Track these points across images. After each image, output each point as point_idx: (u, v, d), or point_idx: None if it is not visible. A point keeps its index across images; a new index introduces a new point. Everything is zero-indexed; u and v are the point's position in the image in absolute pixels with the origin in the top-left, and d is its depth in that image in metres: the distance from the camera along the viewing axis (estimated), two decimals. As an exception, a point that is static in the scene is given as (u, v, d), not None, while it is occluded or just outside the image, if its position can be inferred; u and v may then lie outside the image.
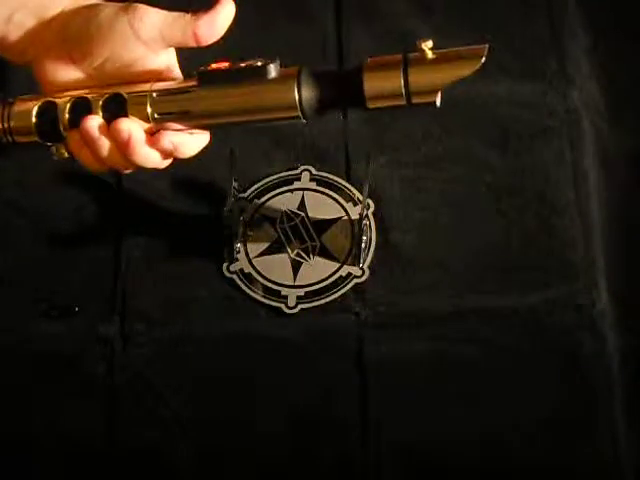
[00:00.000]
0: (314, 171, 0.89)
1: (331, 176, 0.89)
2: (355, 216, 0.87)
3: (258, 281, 0.85)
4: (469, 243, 0.85)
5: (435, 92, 0.63)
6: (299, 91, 0.64)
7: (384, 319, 0.82)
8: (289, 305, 0.83)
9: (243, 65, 0.66)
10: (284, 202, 0.88)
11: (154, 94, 0.66)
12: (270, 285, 0.84)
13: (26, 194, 0.89)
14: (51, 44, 0.68)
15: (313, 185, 0.89)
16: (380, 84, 0.63)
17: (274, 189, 0.88)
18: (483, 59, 0.62)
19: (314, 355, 0.82)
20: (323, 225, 0.87)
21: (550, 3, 0.95)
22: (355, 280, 0.84)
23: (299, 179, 0.89)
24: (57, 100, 0.67)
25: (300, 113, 0.65)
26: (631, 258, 0.85)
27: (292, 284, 0.84)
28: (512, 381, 0.80)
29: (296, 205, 0.88)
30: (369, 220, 0.86)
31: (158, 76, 0.68)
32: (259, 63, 0.66)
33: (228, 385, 0.82)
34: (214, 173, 0.87)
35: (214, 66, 0.66)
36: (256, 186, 0.89)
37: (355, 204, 0.87)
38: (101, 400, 0.81)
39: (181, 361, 0.82)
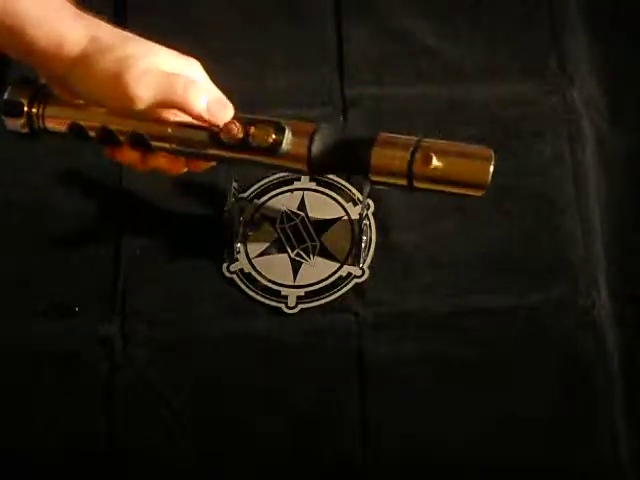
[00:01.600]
0: (314, 171, 0.89)
1: (331, 176, 0.89)
2: (355, 216, 0.87)
3: (258, 281, 0.85)
4: (469, 243, 0.85)
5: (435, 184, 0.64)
6: (309, 165, 0.68)
7: (384, 319, 0.82)
8: (289, 305, 0.83)
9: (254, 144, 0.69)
10: (284, 202, 0.88)
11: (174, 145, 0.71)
12: (270, 285, 0.84)
13: (26, 194, 0.89)
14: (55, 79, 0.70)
15: (313, 185, 0.89)
16: (386, 163, 0.65)
17: (274, 189, 0.89)
18: (490, 170, 0.62)
19: (314, 355, 0.82)
20: (323, 225, 0.87)
21: (550, 3, 0.95)
22: (355, 280, 0.84)
23: (299, 179, 0.89)
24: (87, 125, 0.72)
25: (307, 168, 0.69)
26: (631, 258, 0.85)
27: (292, 284, 0.84)
28: (512, 381, 0.80)
29: (296, 205, 0.88)
30: (369, 220, 0.86)
31: None
32: (272, 137, 0.68)
33: (228, 385, 0.82)
34: (214, 173, 0.87)
35: (224, 138, 0.69)
36: (256, 186, 0.89)
37: (355, 204, 0.87)
38: (101, 400, 0.81)
39: (181, 361, 0.82)
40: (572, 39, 0.94)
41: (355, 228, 0.86)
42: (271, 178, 0.89)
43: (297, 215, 0.87)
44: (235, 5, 0.98)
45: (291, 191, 0.88)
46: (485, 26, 0.95)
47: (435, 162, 0.64)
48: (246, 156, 0.70)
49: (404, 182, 0.65)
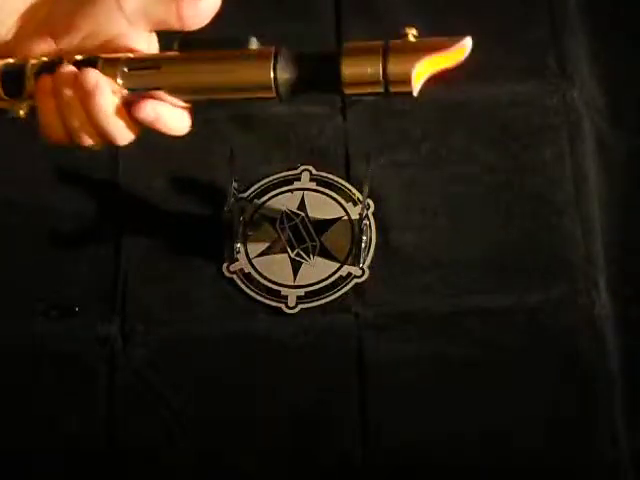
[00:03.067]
0: (314, 171, 0.89)
1: (331, 176, 0.89)
2: (355, 216, 0.87)
3: (258, 281, 0.85)
4: (469, 243, 0.85)
5: (415, 81, 0.62)
6: (275, 70, 0.62)
7: (384, 319, 0.82)
8: (289, 305, 0.83)
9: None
10: (284, 202, 0.88)
11: (130, 55, 0.62)
12: (270, 285, 0.84)
13: (26, 194, 0.89)
14: (31, 18, 0.64)
15: (313, 185, 0.88)
16: (358, 70, 0.62)
17: (274, 189, 0.88)
18: (467, 51, 0.62)
19: (314, 355, 0.82)
20: (323, 225, 0.87)
21: (550, 3, 0.95)
22: (355, 280, 0.84)
23: (299, 179, 0.89)
24: (28, 61, 0.63)
25: (275, 93, 0.62)
26: (631, 258, 0.85)
27: (292, 284, 0.84)
28: (512, 381, 0.80)
29: (296, 205, 0.88)
30: (369, 220, 0.86)
31: None
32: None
33: (228, 385, 0.82)
34: (214, 173, 0.87)
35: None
36: (256, 186, 0.89)
37: (355, 204, 0.87)
38: (101, 400, 0.81)
39: (181, 361, 0.82)
40: (572, 39, 0.94)
41: (355, 228, 0.86)
42: (271, 178, 0.89)
43: (297, 215, 0.87)
44: (235, 5, 0.98)
45: (291, 191, 0.88)
46: (485, 26, 0.94)
47: (412, 40, 0.62)
48: (211, 58, 0.63)
49: (380, 89, 0.63)
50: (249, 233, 0.87)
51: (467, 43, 0.62)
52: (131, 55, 0.63)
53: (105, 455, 0.80)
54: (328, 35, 0.95)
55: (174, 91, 0.62)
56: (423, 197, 0.87)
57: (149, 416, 0.81)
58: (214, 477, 0.80)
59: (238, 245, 0.86)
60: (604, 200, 0.87)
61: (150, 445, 0.80)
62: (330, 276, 0.84)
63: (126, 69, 0.62)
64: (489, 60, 0.92)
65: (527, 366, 0.80)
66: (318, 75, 0.63)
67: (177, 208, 0.88)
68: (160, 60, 0.63)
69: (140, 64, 0.62)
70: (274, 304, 0.84)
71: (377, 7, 0.96)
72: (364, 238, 0.85)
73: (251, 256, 0.86)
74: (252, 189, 0.88)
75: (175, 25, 0.63)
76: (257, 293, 0.84)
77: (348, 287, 0.84)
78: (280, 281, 0.85)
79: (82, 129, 0.61)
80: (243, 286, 0.84)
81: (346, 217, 0.87)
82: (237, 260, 0.85)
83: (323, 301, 0.83)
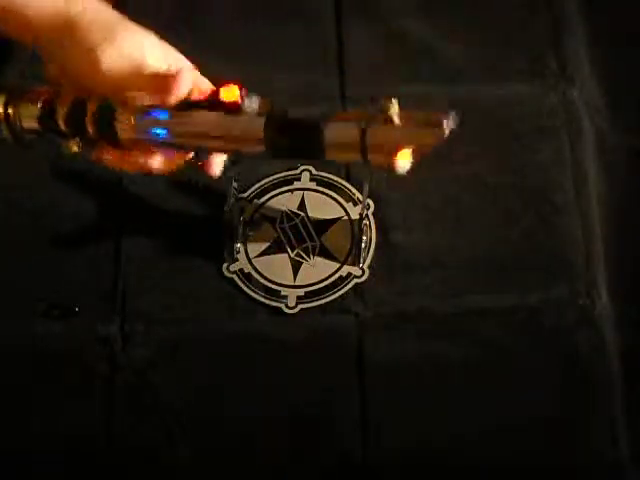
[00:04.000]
0: (314, 171, 0.89)
1: (331, 176, 0.89)
2: (355, 216, 0.87)
3: (258, 281, 0.85)
4: (469, 243, 0.85)
5: (394, 154, 0.63)
6: (267, 146, 0.66)
7: (384, 319, 0.82)
8: (289, 305, 0.83)
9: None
10: (284, 202, 0.88)
11: (140, 112, 0.68)
12: (270, 285, 0.84)
13: (26, 194, 0.89)
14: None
15: (313, 185, 0.89)
16: (338, 136, 0.64)
17: (274, 189, 0.89)
18: (447, 130, 0.61)
19: (314, 355, 0.82)
20: (323, 225, 0.87)
21: (550, 3, 0.95)
22: (355, 280, 0.84)
23: (299, 179, 0.89)
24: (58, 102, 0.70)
25: (263, 150, 0.67)
26: (631, 258, 0.85)
27: (292, 284, 0.84)
28: (512, 381, 0.80)
29: (296, 205, 0.88)
30: (369, 220, 0.86)
31: None
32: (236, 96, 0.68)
33: (228, 385, 0.81)
34: (214, 173, 0.87)
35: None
36: (256, 186, 0.89)
37: (355, 204, 0.87)
38: (101, 400, 0.81)
39: (181, 361, 0.82)
40: (572, 39, 0.94)
41: (355, 228, 0.86)
42: (271, 178, 0.89)
43: (297, 215, 0.87)
44: (235, 5, 0.98)
45: (291, 191, 0.88)
46: (485, 26, 0.95)
47: (396, 121, 0.62)
48: (207, 120, 0.68)
49: (359, 158, 0.64)
50: (249, 233, 0.87)
51: (447, 124, 0.62)
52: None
53: (105, 455, 0.80)
54: (328, 35, 0.95)
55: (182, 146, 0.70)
56: (423, 197, 0.87)
57: (149, 416, 0.81)
58: (214, 477, 0.80)
59: (238, 245, 0.86)
60: (604, 200, 0.87)
61: (150, 445, 0.80)
62: (330, 276, 0.84)
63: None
64: (489, 60, 0.93)
65: (527, 366, 0.80)
66: (304, 140, 0.66)
67: (177, 208, 0.88)
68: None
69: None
70: (274, 304, 0.84)
71: (377, 8, 0.96)
72: (364, 238, 0.85)
73: (251, 256, 0.86)
74: (252, 189, 0.89)
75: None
76: (257, 293, 0.84)
77: (348, 287, 0.84)
78: (280, 281, 0.85)
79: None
80: (243, 286, 0.84)
81: (346, 217, 0.87)
82: (237, 260, 0.85)
83: (323, 301, 0.83)
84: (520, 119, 0.90)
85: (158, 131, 0.69)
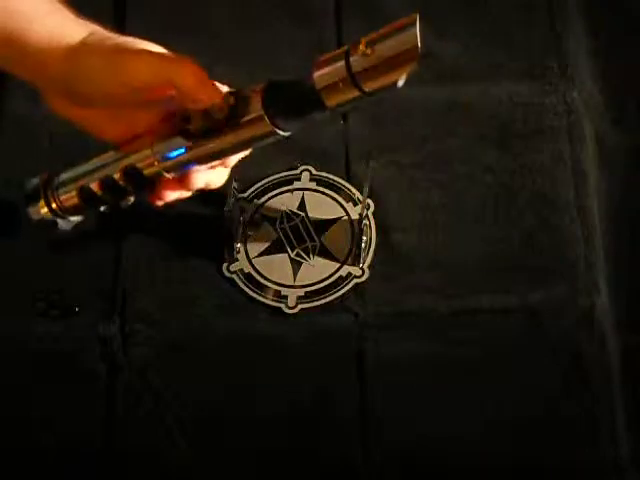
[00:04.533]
0: (314, 171, 0.89)
1: (331, 176, 0.89)
2: (355, 216, 0.87)
3: (258, 281, 0.85)
4: (469, 243, 0.85)
5: (384, 74, 0.63)
6: (272, 122, 0.67)
7: (384, 319, 0.82)
8: (289, 305, 0.83)
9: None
10: (284, 202, 0.88)
11: (159, 157, 0.71)
12: (270, 285, 0.84)
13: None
14: (50, 89, 0.70)
15: (313, 185, 0.89)
16: (328, 79, 0.64)
17: (274, 189, 0.89)
18: (417, 33, 0.61)
19: (314, 355, 0.82)
20: (323, 225, 0.87)
21: (550, 3, 0.95)
22: (355, 280, 0.84)
23: (299, 179, 0.89)
24: (89, 184, 0.75)
25: (281, 134, 0.68)
26: (631, 258, 0.85)
27: (292, 284, 0.84)
28: (512, 381, 0.80)
29: (296, 205, 0.88)
30: (369, 220, 0.86)
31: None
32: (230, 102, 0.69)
33: (228, 385, 0.82)
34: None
35: (190, 127, 0.70)
36: (256, 186, 0.89)
37: (355, 204, 0.87)
38: (101, 400, 0.81)
39: (181, 361, 0.82)
40: (572, 39, 0.94)
41: (355, 228, 0.86)
42: (271, 178, 0.89)
43: (297, 215, 0.87)
44: (235, 5, 0.98)
45: (291, 191, 0.88)
46: (485, 26, 0.95)
47: (369, 54, 0.63)
48: (216, 137, 0.70)
49: (356, 91, 0.64)
50: (249, 233, 0.87)
51: (414, 25, 0.62)
52: (158, 146, 0.71)
53: (105, 455, 0.80)
54: (329, 35, 0.95)
55: (200, 162, 0.72)
56: (423, 197, 0.87)
57: (149, 416, 0.81)
58: (214, 477, 0.80)
59: (238, 245, 0.86)
60: (604, 200, 0.87)
61: (150, 445, 0.80)
62: (330, 276, 0.84)
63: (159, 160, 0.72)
64: (489, 60, 0.93)
65: (527, 366, 0.80)
66: (303, 100, 0.66)
67: (177, 208, 0.87)
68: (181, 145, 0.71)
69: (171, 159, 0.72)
70: (274, 304, 0.84)
71: (377, 8, 0.96)
72: (364, 238, 0.85)
73: (251, 256, 0.86)
74: (252, 189, 0.89)
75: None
76: (257, 293, 0.84)
77: (348, 287, 0.84)
78: (280, 281, 0.85)
79: None
80: (243, 286, 0.84)
81: (346, 217, 0.87)
82: (237, 260, 0.85)
83: (323, 301, 0.83)
84: (520, 119, 0.90)
85: (187, 165, 0.72)
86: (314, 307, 0.83)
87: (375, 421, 0.79)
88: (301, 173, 0.89)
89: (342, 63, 0.63)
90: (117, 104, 0.69)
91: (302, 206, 0.88)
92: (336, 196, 0.88)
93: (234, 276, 0.85)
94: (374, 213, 0.87)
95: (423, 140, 0.90)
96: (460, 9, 0.96)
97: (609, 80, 0.93)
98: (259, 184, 0.89)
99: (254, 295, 0.84)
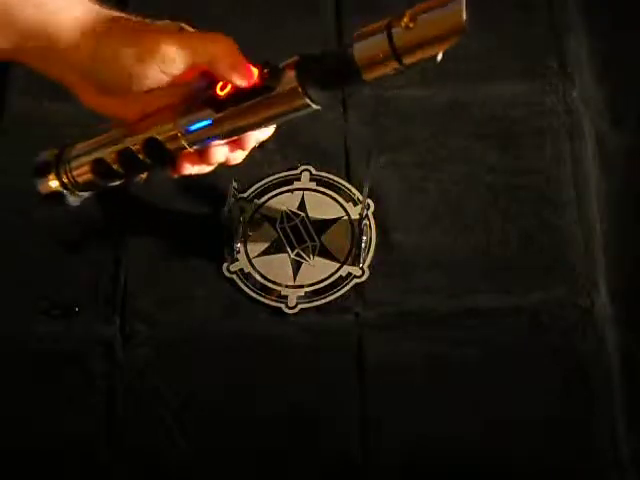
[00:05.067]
0: (314, 171, 0.89)
1: (331, 176, 0.89)
2: (355, 216, 0.87)
3: (258, 281, 0.85)
4: (469, 243, 0.85)
5: (426, 48, 0.63)
6: (303, 89, 0.66)
7: (384, 319, 0.82)
8: (289, 305, 0.83)
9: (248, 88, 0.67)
10: (284, 202, 0.88)
11: (182, 130, 0.69)
12: (270, 285, 0.84)
13: (26, 194, 0.89)
14: (79, 81, 0.69)
15: (313, 185, 0.89)
16: (369, 53, 0.63)
17: (274, 189, 0.89)
18: (464, 7, 0.61)
19: (314, 355, 0.82)
20: (323, 225, 0.87)
21: (550, 3, 0.95)
22: (355, 280, 0.84)
23: (299, 179, 0.89)
24: (105, 156, 0.72)
25: (313, 105, 0.67)
26: (631, 258, 0.85)
27: (292, 284, 0.84)
28: (512, 381, 0.80)
29: (296, 205, 0.88)
30: (369, 220, 0.86)
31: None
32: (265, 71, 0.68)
33: (228, 385, 0.82)
34: (214, 173, 0.87)
35: (221, 93, 0.68)
36: (256, 186, 0.89)
37: (355, 204, 0.87)
38: (101, 400, 0.81)
39: (181, 361, 0.82)
40: (572, 39, 0.94)
41: (355, 228, 0.86)
42: (271, 178, 0.89)
43: (297, 215, 0.87)
44: (235, 4, 0.98)
45: (291, 191, 0.88)
46: (485, 26, 0.94)
47: (412, 27, 0.62)
48: (246, 109, 0.68)
49: (395, 64, 0.64)
50: (249, 233, 0.87)
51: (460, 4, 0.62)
52: (182, 120, 0.69)
53: (105, 455, 0.80)
54: (328, 33, 0.95)
55: (226, 135, 0.69)
56: (423, 197, 0.87)
57: (149, 416, 0.81)
58: (214, 477, 0.80)
59: (238, 245, 0.86)
60: (604, 200, 0.87)
61: (150, 445, 0.80)
62: (330, 276, 0.84)
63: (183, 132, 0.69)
64: (489, 60, 0.93)
65: (527, 366, 0.80)
66: (340, 71, 0.65)
67: (177, 208, 0.88)
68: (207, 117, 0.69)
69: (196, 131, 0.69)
70: (274, 304, 0.84)
71: (377, 7, 0.96)
72: (364, 238, 0.85)
73: (251, 256, 0.86)
74: (252, 189, 0.89)
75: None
76: (257, 293, 0.84)
77: (348, 287, 0.84)
78: (280, 281, 0.85)
79: None
80: (243, 286, 0.84)
81: (346, 217, 0.87)
82: (237, 260, 0.85)
83: (323, 301, 0.83)
84: (520, 119, 0.90)
85: (210, 138, 0.70)
86: (314, 307, 0.83)
87: (375, 421, 0.79)
88: (301, 173, 0.89)
89: (384, 36, 0.62)
90: (147, 89, 0.68)
91: (302, 206, 0.88)
92: (336, 196, 0.88)
93: (234, 276, 0.85)
94: (374, 213, 0.87)
95: (423, 140, 0.90)
96: (460, 9, 0.96)
97: (609, 80, 0.93)
98: (259, 184, 0.89)
99: (254, 295, 0.84)
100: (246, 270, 0.85)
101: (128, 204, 0.88)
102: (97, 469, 0.79)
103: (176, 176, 0.72)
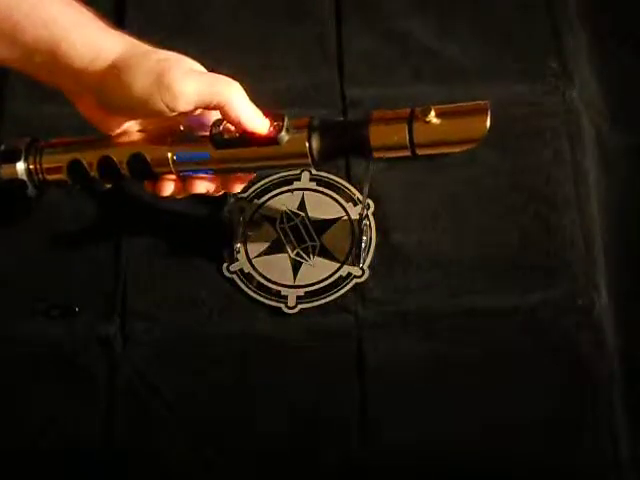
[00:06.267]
0: (314, 171, 0.89)
1: (331, 176, 0.89)
2: (355, 216, 0.87)
3: (258, 281, 0.85)
4: (469, 243, 0.85)
5: (442, 147, 0.64)
6: (310, 152, 0.68)
7: (384, 319, 0.82)
8: (289, 305, 0.83)
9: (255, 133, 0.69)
10: (284, 202, 0.88)
11: (175, 157, 0.71)
12: (270, 285, 0.84)
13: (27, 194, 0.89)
14: (85, 99, 0.70)
15: (313, 185, 0.89)
16: (386, 137, 0.65)
17: (274, 189, 0.89)
18: (488, 121, 0.62)
19: (314, 355, 0.82)
20: (323, 225, 0.87)
21: (550, 3, 0.95)
22: (355, 280, 0.84)
23: (299, 179, 0.89)
24: (84, 160, 0.73)
25: (311, 164, 0.69)
26: (631, 258, 0.85)
27: (292, 284, 0.84)
28: (512, 381, 0.80)
29: (296, 205, 0.88)
30: (369, 220, 0.86)
31: None
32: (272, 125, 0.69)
33: (228, 385, 0.82)
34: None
35: (226, 136, 0.69)
36: (256, 186, 0.89)
37: (355, 204, 0.87)
38: (101, 400, 0.81)
39: (181, 361, 0.82)
40: (572, 39, 0.94)
41: (355, 228, 0.86)
42: (271, 178, 0.89)
43: (297, 215, 0.87)
44: (235, 5, 0.98)
45: (291, 191, 0.88)
46: (485, 26, 0.95)
47: (434, 124, 0.64)
48: (247, 154, 0.70)
49: (408, 152, 0.66)
50: (249, 233, 0.87)
51: (485, 114, 0.63)
52: (177, 148, 0.71)
53: (105, 455, 0.80)
54: (328, 35, 0.95)
55: (218, 171, 0.72)
56: (423, 197, 0.87)
57: (149, 416, 0.81)
58: (214, 477, 0.80)
59: (238, 245, 0.86)
60: (604, 200, 0.87)
61: (150, 445, 0.80)
62: (330, 276, 0.84)
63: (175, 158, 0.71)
64: (489, 60, 0.93)
65: (527, 366, 0.80)
66: (348, 143, 0.68)
67: (177, 208, 0.88)
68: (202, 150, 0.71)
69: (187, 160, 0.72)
70: (274, 304, 0.84)
71: (377, 8, 0.96)
72: (364, 238, 0.85)
73: (251, 256, 0.86)
74: (252, 189, 0.89)
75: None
76: (257, 293, 0.84)
77: (348, 287, 0.84)
78: (280, 281, 0.85)
79: None
80: (243, 286, 0.84)
81: (346, 217, 0.87)
82: (237, 260, 0.85)
83: (323, 301, 0.83)
84: (520, 119, 0.90)
85: (199, 170, 0.72)
86: (314, 307, 0.83)
87: (375, 421, 0.79)
88: (301, 173, 0.89)
89: (404, 127, 0.64)
90: (151, 117, 0.70)
91: (302, 206, 0.88)
92: (336, 196, 0.88)
93: (234, 276, 0.85)
94: (374, 213, 0.87)
95: (423, 140, 0.90)
96: (460, 9, 0.96)
97: (609, 80, 0.93)
98: (259, 184, 0.89)
99: (254, 295, 0.84)
100: (246, 270, 0.85)
101: (128, 204, 0.88)
102: (96, 469, 0.79)
103: (150, 193, 0.73)
